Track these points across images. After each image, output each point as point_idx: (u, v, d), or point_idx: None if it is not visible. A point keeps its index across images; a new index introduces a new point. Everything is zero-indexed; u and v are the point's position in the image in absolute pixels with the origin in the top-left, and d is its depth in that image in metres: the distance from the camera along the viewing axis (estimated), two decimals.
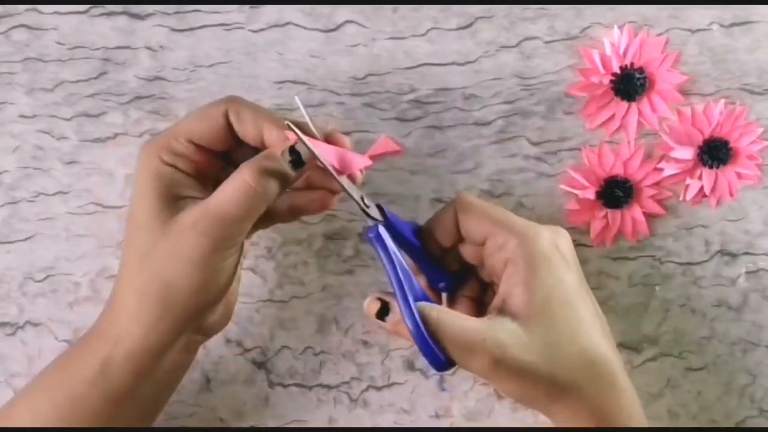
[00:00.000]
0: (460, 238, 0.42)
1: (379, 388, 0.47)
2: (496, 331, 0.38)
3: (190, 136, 0.40)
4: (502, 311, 0.39)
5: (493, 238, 0.40)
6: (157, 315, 0.38)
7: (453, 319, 0.39)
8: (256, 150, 0.40)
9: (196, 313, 0.39)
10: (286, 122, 0.39)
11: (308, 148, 0.39)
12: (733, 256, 0.47)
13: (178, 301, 0.38)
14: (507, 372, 0.38)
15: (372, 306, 0.41)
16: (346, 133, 0.46)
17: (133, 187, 0.39)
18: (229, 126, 0.40)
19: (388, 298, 0.41)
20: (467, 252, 0.43)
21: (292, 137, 0.39)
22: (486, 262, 0.41)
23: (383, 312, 0.41)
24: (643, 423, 0.40)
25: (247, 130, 0.40)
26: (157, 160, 0.39)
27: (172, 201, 0.38)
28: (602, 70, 0.46)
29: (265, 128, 0.39)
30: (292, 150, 0.39)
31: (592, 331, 0.40)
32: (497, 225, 0.40)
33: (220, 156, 0.41)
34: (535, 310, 0.39)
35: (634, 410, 0.40)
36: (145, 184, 0.39)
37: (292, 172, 0.39)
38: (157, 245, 0.38)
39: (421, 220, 0.46)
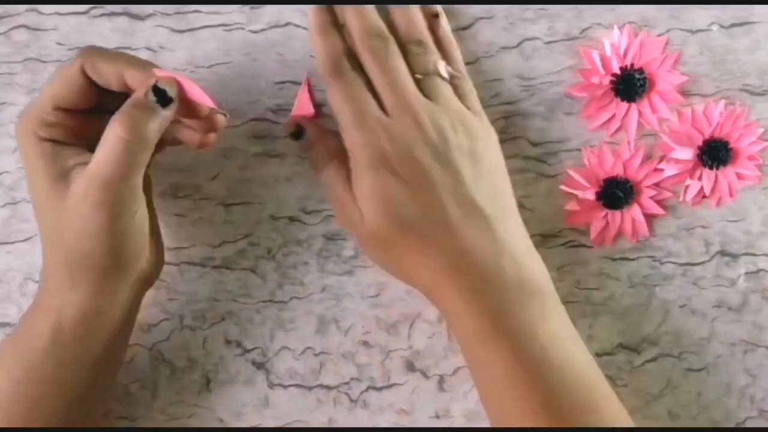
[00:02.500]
0: None
1: (379, 389, 0.47)
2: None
3: (56, 103, 0.39)
4: None
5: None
6: (87, 281, 0.39)
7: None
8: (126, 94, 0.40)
9: (123, 271, 0.40)
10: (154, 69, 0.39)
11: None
12: (734, 256, 0.47)
13: (100, 266, 0.39)
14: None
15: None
16: None
17: (25, 167, 0.40)
18: (91, 81, 0.39)
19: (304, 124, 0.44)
20: None
21: (155, 76, 0.38)
22: None
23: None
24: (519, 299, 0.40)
25: (109, 82, 0.39)
26: (34, 136, 0.39)
27: (62, 175, 0.38)
28: (602, 71, 0.46)
29: (127, 74, 0.39)
30: (156, 89, 0.37)
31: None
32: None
33: (94, 111, 0.41)
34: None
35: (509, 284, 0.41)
36: (32, 164, 0.39)
37: (162, 112, 0.38)
38: (61, 222, 0.38)
39: None
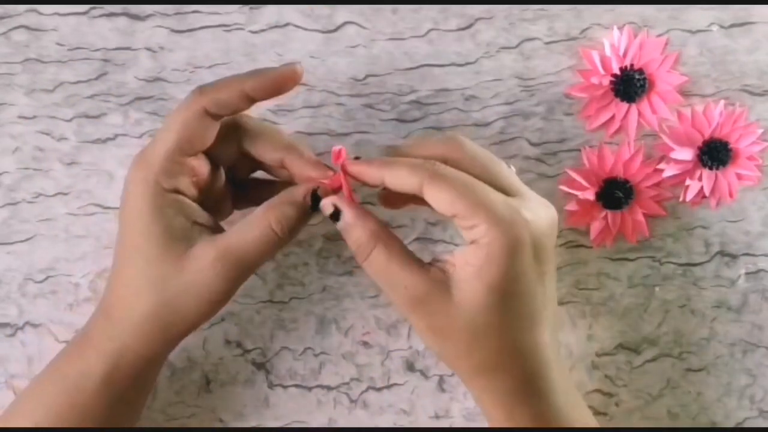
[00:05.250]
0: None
1: (378, 389, 0.47)
2: (428, 283, 0.37)
3: (181, 149, 0.39)
4: (448, 273, 0.37)
5: (463, 219, 0.37)
6: (161, 333, 0.39)
7: (387, 254, 0.38)
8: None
9: (196, 329, 0.40)
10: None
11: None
12: (733, 257, 0.47)
13: (185, 326, 0.39)
14: (421, 320, 0.38)
15: (328, 207, 0.39)
16: (346, 134, 0.46)
17: (129, 213, 0.38)
18: (212, 120, 0.39)
19: (341, 206, 0.39)
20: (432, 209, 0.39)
21: (316, 180, 0.39)
22: (457, 225, 0.38)
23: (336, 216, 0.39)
24: (572, 407, 0.39)
25: (234, 108, 0.39)
26: (157, 187, 0.38)
27: (182, 233, 0.38)
28: (602, 71, 0.46)
29: (291, 163, 0.40)
30: (314, 194, 0.39)
31: (533, 326, 0.38)
32: (470, 211, 0.36)
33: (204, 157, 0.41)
34: (477, 290, 0.37)
35: (545, 399, 0.38)
36: (150, 217, 0.38)
37: (312, 214, 0.39)
38: (170, 279, 0.38)
39: (420, 222, 0.46)
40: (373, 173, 0.39)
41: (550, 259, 0.39)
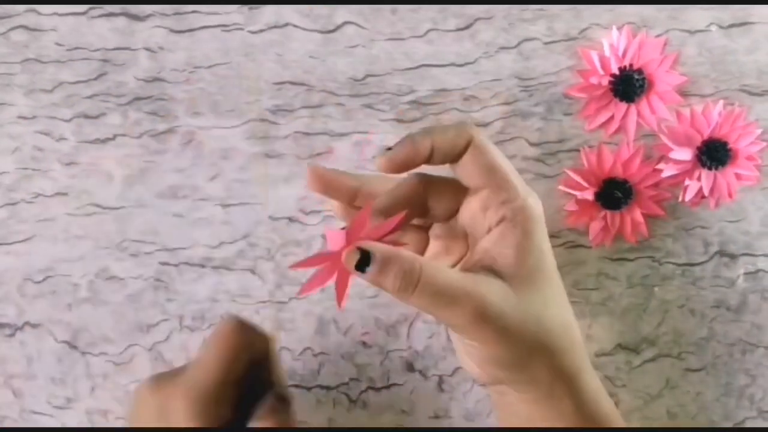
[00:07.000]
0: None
1: (378, 389, 0.47)
2: (483, 285, 0.35)
3: (228, 378, 0.37)
4: (490, 269, 0.37)
5: (497, 191, 0.37)
6: None
7: (435, 270, 0.35)
8: None
9: None
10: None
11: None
12: (732, 257, 0.47)
13: None
14: (490, 326, 0.35)
15: (351, 257, 0.34)
16: (345, 135, 0.46)
17: None
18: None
19: (368, 246, 0.34)
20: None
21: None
22: (473, 212, 0.38)
23: (364, 263, 0.34)
24: (596, 378, 0.39)
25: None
26: (205, 417, 0.36)
27: None
28: (601, 72, 0.46)
29: None
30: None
31: (565, 299, 0.39)
32: (506, 181, 0.37)
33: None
34: (526, 273, 0.37)
35: (590, 368, 0.39)
36: None
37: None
38: None
39: None
40: (421, 143, 0.37)
41: None
